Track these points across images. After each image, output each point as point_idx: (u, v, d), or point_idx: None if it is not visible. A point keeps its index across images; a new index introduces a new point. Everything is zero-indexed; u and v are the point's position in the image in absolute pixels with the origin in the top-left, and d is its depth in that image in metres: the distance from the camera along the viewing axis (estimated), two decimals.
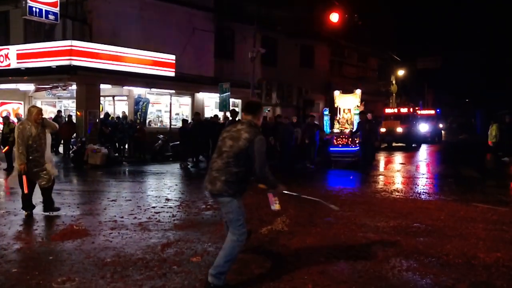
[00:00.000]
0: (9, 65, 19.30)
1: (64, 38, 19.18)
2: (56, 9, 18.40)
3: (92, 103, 18.64)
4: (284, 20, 26.24)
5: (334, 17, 18.62)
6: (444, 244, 6.25)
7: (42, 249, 5.97)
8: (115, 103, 21.66)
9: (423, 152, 24.43)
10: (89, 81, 18.40)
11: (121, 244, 6.10)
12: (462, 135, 43.82)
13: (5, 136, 14.38)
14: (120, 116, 19.21)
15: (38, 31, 20.52)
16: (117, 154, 17.36)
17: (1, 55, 19.44)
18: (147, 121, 20.89)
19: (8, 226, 7.05)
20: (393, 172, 15.36)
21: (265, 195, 5.03)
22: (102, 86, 19.04)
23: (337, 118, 17.14)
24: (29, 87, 20.52)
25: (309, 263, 5.40)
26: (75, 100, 19.33)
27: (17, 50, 19.22)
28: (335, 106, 17.38)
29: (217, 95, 19.82)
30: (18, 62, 19.10)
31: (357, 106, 16.58)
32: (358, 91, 17.01)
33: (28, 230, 6.83)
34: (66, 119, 18.93)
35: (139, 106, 20.25)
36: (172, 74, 20.88)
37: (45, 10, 18.10)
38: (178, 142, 17.39)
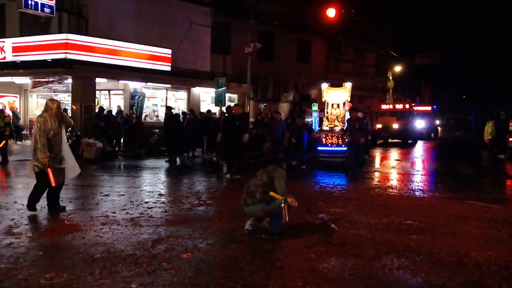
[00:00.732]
0: (4, 58, 19.24)
1: (59, 31, 19.06)
2: (52, 2, 18.34)
3: (88, 97, 18.58)
4: (281, 15, 26.13)
5: (331, 12, 18.50)
6: (437, 242, 6.23)
7: (32, 244, 5.93)
8: (110, 97, 21.59)
9: (419, 149, 24.44)
10: (84, 75, 18.32)
11: (112, 240, 6.06)
12: (458, 132, 43.88)
13: (1, 130, 14.23)
14: (115, 110, 19.13)
15: (34, 24, 20.40)
16: (111, 149, 17.28)
17: None
18: (143, 116, 20.82)
19: None
20: (388, 168, 15.35)
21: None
22: (97, 80, 18.97)
23: (326, 114, 15.71)
24: (25, 80, 20.45)
25: (300, 260, 5.37)
26: (70, 94, 19.25)
27: (12, 43, 19.14)
28: (323, 100, 15.85)
29: (213, 89, 19.77)
30: (13, 55, 19.03)
31: (347, 101, 15.30)
32: (348, 84, 15.37)
33: (18, 225, 6.77)
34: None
35: (135, 100, 20.17)
36: (168, 68, 20.83)
37: (41, 3, 18.05)
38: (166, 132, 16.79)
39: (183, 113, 19.32)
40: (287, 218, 5.97)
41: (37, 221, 7.17)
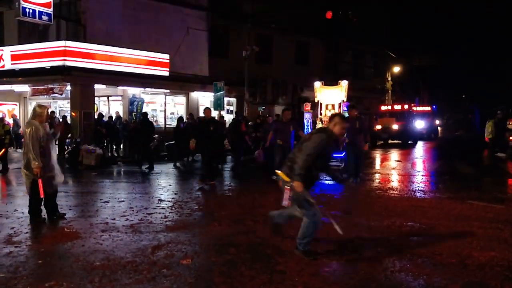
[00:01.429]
0: (3, 66, 19.28)
1: (58, 38, 19.12)
2: (50, 10, 18.35)
3: (87, 104, 18.59)
4: (279, 17, 26.15)
5: (329, 14, 18.50)
6: (438, 243, 6.20)
7: (32, 252, 5.91)
8: (109, 103, 21.61)
9: (419, 149, 24.39)
10: (83, 82, 18.35)
11: (111, 247, 6.03)
12: (458, 131, 43.82)
13: (1, 138, 14.18)
14: (114, 116, 19.12)
15: (32, 32, 20.46)
16: (111, 155, 17.25)
17: None
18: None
19: None
20: (388, 169, 15.31)
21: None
22: (96, 86, 18.99)
23: (319, 116, 14.45)
24: (24, 88, 20.45)
25: (300, 264, 5.33)
26: (69, 101, 19.25)
27: (11, 51, 19.19)
28: (316, 100, 14.48)
29: (212, 94, 19.75)
30: (12, 63, 19.07)
31: (343, 101, 14.12)
32: (344, 83, 14.13)
33: (18, 234, 6.74)
34: (61, 119, 18.83)
35: (134, 106, 20.17)
36: (167, 73, 20.84)
37: (39, 11, 18.06)
38: (173, 142, 17.31)
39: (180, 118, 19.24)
40: (286, 202, 5.51)
41: (36, 229, 7.14)
